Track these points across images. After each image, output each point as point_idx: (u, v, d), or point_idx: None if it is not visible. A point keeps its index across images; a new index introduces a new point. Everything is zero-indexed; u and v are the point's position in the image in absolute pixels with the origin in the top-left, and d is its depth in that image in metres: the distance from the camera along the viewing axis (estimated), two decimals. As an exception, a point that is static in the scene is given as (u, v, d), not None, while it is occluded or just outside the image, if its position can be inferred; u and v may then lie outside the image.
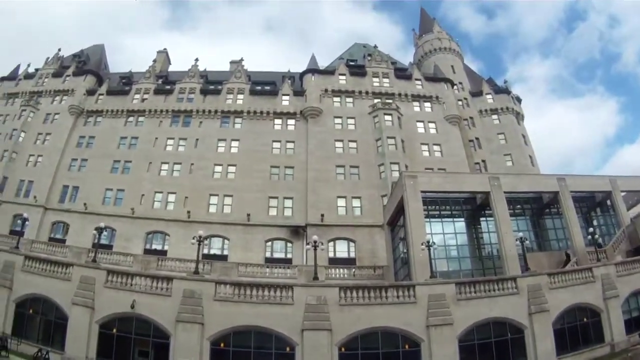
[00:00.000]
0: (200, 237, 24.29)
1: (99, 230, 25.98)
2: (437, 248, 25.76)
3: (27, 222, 28.69)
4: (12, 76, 59.42)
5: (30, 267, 23.78)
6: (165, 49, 68.20)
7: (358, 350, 20.71)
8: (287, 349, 20.48)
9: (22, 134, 51.10)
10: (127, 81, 58.13)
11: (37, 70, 59.42)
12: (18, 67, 61.55)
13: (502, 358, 21.60)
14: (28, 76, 58.75)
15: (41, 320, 23.37)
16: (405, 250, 30.21)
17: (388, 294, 21.32)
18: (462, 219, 31.75)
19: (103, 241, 32.64)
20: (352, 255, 40.34)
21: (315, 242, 23.48)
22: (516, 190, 30.27)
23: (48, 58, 60.41)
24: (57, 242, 31.87)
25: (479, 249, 30.44)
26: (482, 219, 31.06)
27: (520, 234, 25.79)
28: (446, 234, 29.58)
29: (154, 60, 63.03)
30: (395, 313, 21.02)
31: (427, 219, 29.01)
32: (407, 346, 20.95)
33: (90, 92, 55.18)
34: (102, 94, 54.58)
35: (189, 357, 20.27)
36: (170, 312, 20.96)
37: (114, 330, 21.77)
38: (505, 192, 29.19)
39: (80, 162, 49.36)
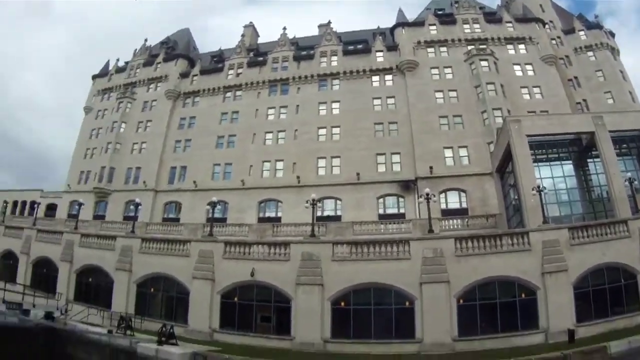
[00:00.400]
0: (313, 200, 24.99)
1: (212, 204, 27.10)
2: (548, 193, 25.34)
3: (139, 207, 30.40)
4: (104, 72, 62.28)
5: (148, 248, 25.22)
6: (251, 22, 68.44)
7: (476, 301, 20.79)
8: (407, 303, 20.80)
9: (123, 125, 53.47)
10: (218, 59, 59.58)
11: (127, 63, 61.91)
12: (107, 63, 64.14)
13: (616, 304, 21.20)
14: (119, 70, 61.48)
15: (163, 297, 24.78)
16: (516, 197, 29.86)
17: (502, 242, 21.30)
18: (570, 162, 30.61)
19: (217, 215, 33.79)
20: (464, 205, 40.07)
21: (427, 194, 23.80)
22: (620, 128, 28.91)
23: (136, 49, 62.83)
24: (171, 221, 33.07)
25: (589, 192, 29.51)
26: (589, 160, 29.95)
27: (629, 174, 25.11)
28: (555, 177, 28.89)
29: (242, 35, 63.58)
30: (510, 261, 20.94)
31: (535, 164, 28.46)
32: (523, 295, 20.84)
33: (184, 75, 57.11)
34: (196, 75, 56.38)
35: (310, 319, 21.03)
36: (289, 277, 21.74)
37: (235, 299, 22.80)
38: (610, 132, 28.19)
39: (184, 143, 51.35)
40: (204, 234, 27.07)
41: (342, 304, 21.36)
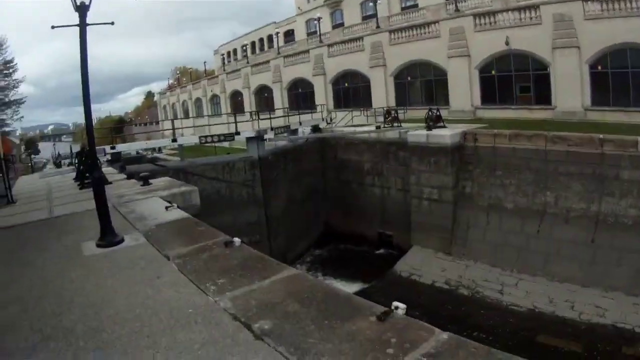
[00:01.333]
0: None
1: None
2: None
3: (379, 1, 31.35)
4: None
5: (397, 38, 26.15)
6: None
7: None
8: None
9: None
10: None
11: None
12: None
13: None
14: None
15: (421, 84, 26.18)
16: None
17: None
18: None
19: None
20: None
21: None
22: None
23: None
24: (409, 8, 32.73)
25: None
26: None
27: None
28: None
29: None
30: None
31: None
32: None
33: None
34: None
35: (569, 85, 19.49)
36: (544, 41, 20.07)
37: (493, 72, 22.51)
38: None
39: None
40: (448, 11, 26.09)
41: (599, 67, 19.04)
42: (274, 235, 17.55)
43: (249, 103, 41.11)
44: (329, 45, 31.81)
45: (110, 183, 9.98)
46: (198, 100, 54.78)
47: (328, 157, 21.28)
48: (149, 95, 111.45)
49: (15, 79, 37.98)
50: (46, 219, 7.29)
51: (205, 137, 17.87)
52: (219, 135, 18.25)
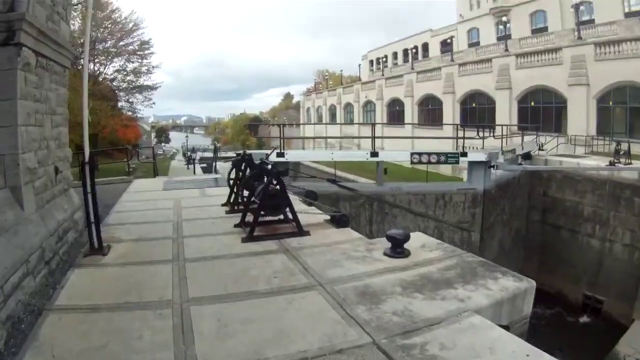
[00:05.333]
0: None
1: (576, 6, 27.77)
2: None
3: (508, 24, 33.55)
4: None
5: (522, 64, 28.58)
6: None
7: None
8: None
9: None
10: None
11: None
12: None
13: None
14: None
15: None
16: None
17: None
18: None
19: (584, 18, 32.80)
20: None
21: None
22: None
23: None
24: (538, 31, 33.95)
25: None
26: None
27: None
28: None
29: None
30: None
31: None
32: None
33: None
34: None
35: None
36: None
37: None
38: None
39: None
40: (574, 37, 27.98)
41: None
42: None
43: (410, 113, 39.17)
44: (460, 65, 34.10)
45: (307, 233, 5.95)
46: (349, 105, 53.38)
47: (534, 193, 17.68)
48: (288, 96, 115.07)
49: (149, 62, 37.28)
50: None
51: (419, 154, 13.90)
52: (438, 154, 14.08)
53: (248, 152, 9.13)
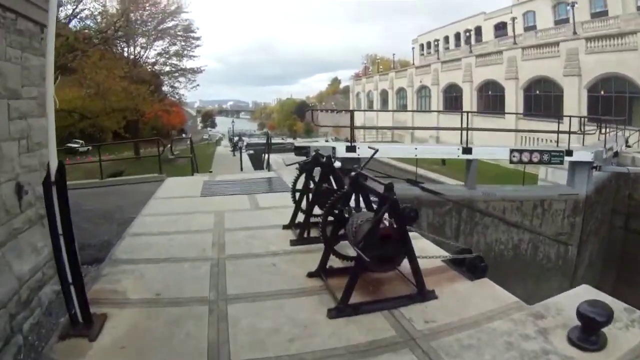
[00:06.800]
0: None
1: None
2: None
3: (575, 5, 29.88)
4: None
5: (593, 48, 25.55)
6: None
7: None
8: None
9: None
10: None
11: None
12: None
13: None
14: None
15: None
16: None
17: None
18: None
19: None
20: None
21: None
22: None
23: None
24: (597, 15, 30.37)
25: None
26: None
27: None
28: None
29: None
30: None
31: None
32: None
33: None
34: None
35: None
36: None
37: None
38: None
39: None
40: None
41: None
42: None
43: (469, 100, 36.78)
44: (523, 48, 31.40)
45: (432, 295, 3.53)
46: (401, 90, 50.75)
47: (619, 196, 14.91)
48: (335, 81, 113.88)
49: (193, 45, 36.68)
50: None
51: (520, 152, 11.26)
52: (541, 152, 11.27)
53: (317, 146, 7.34)
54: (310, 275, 3.92)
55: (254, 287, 3.75)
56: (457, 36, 50.09)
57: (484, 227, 10.88)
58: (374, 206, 3.79)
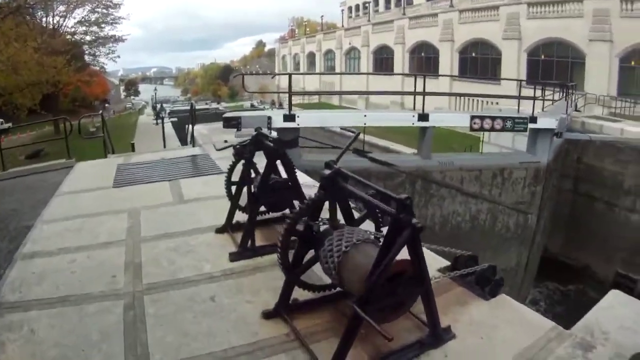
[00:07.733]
0: None
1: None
2: None
3: None
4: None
5: (534, 14, 25.61)
6: None
7: None
8: None
9: None
10: None
11: None
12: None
13: None
14: None
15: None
16: None
17: None
18: None
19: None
20: None
21: None
22: None
23: None
24: None
25: None
26: None
27: None
28: None
29: None
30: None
31: None
32: None
33: None
34: None
35: None
36: None
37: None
38: None
39: None
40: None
41: None
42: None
43: (401, 64, 36.14)
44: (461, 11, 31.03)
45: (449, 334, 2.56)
46: (329, 52, 49.68)
47: (568, 160, 14.87)
48: (260, 44, 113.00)
49: (112, 13, 34.27)
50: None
51: (481, 118, 10.51)
52: (503, 119, 10.58)
53: (250, 115, 6.76)
54: (268, 316, 2.73)
55: (188, 346, 2.52)
56: (387, -1, 49.25)
57: (439, 198, 10.39)
58: (355, 214, 2.78)
